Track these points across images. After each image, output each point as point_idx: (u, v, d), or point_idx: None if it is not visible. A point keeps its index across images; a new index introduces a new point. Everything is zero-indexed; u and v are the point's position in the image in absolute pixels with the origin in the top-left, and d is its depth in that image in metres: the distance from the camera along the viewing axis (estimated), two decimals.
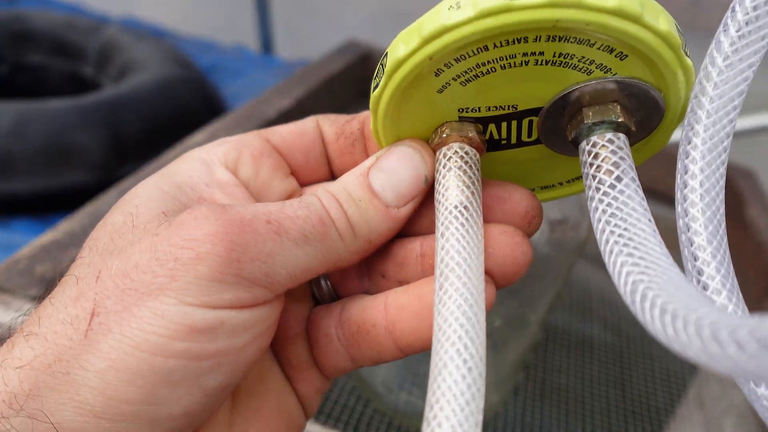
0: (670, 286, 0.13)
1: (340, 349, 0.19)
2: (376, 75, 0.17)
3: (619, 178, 0.15)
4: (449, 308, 0.15)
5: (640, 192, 0.15)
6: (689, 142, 0.16)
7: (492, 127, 0.18)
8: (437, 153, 0.18)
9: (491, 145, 0.18)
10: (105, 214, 0.18)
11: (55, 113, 0.57)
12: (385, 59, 0.16)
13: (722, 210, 0.16)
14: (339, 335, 0.19)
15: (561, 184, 0.20)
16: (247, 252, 0.15)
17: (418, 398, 0.38)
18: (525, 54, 0.15)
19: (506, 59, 0.15)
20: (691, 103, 0.16)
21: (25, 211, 0.58)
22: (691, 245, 0.16)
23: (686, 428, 0.42)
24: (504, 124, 0.18)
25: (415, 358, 0.41)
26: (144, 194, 0.17)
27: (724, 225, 0.16)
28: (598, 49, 0.15)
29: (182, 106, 0.64)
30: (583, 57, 0.15)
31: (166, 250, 0.15)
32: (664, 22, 0.14)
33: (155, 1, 1.10)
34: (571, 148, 0.17)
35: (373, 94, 0.17)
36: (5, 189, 0.55)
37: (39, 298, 0.17)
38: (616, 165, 0.15)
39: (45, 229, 0.40)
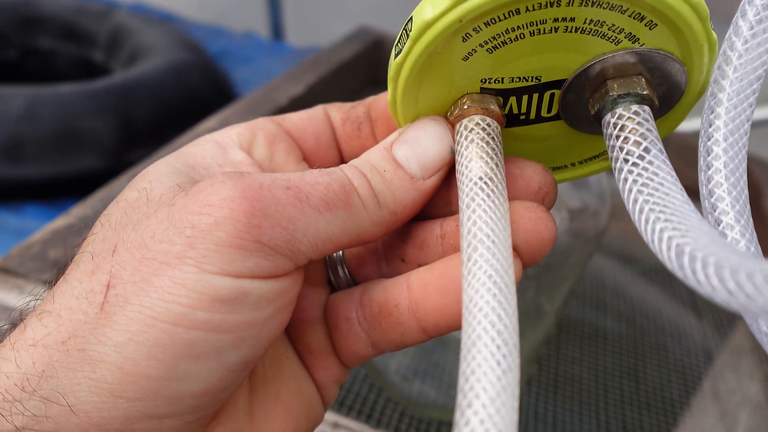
0: (714, 246, 0.12)
1: (360, 333, 0.18)
2: (398, 42, 0.16)
3: (647, 150, 0.15)
4: (480, 279, 0.14)
5: (669, 163, 0.15)
6: (711, 125, 0.16)
7: (513, 100, 0.17)
8: (457, 125, 0.18)
9: (509, 120, 0.18)
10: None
11: (65, 98, 0.56)
12: (409, 24, 0.16)
13: (746, 191, 0.16)
14: (360, 318, 0.18)
15: (574, 164, 0.20)
16: (267, 217, 0.15)
17: (431, 387, 0.38)
18: (556, 20, 0.15)
19: (537, 24, 0.15)
20: (711, 86, 0.16)
21: (36, 197, 0.58)
22: (719, 225, 0.16)
23: (701, 421, 0.42)
24: (525, 98, 0.17)
25: (428, 347, 0.41)
26: (156, 171, 0.17)
27: (747, 195, 0.16)
28: (629, 16, 0.15)
29: (192, 92, 0.64)
30: (613, 25, 0.15)
31: (183, 218, 0.14)
32: None
33: None
34: (590, 124, 0.17)
35: (395, 61, 0.16)
36: (17, 174, 0.55)
37: (50, 282, 0.16)
38: (643, 136, 0.15)
39: (56, 214, 0.40)
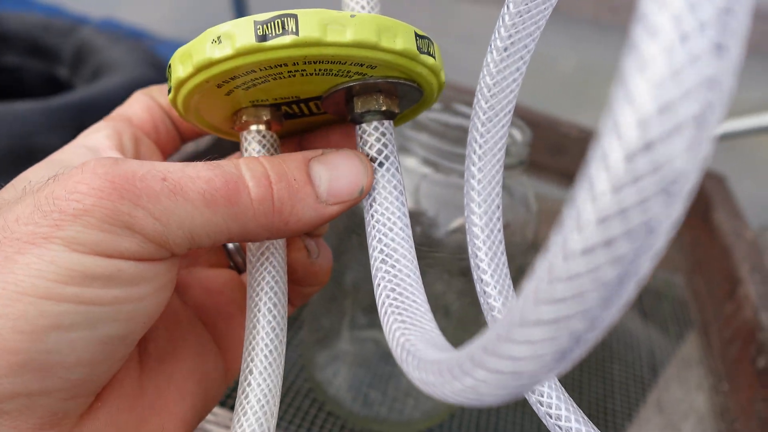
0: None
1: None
2: (168, 79, 0.18)
3: (381, 164, 0.19)
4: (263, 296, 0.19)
5: (398, 175, 0.19)
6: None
7: (285, 107, 0.20)
8: (240, 135, 0.20)
9: (291, 116, 0.20)
10: None
11: (22, 115, 0.56)
12: (169, 72, 0.18)
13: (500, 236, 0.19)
14: None
15: None
16: (138, 207, 0.14)
17: (374, 402, 0.38)
18: (290, 72, 0.17)
19: (275, 76, 0.17)
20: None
21: None
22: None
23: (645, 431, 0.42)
24: (294, 105, 0.20)
25: (373, 361, 0.41)
26: (33, 176, 0.17)
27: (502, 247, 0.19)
28: (350, 64, 0.17)
29: None
30: (340, 70, 0.17)
31: (50, 202, 0.14)
32: (401, 41, 0.17)
33: (135, 3, 1.10)
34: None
35: (168, 97, 0.18)
36: None
37: None
38: (379, 152, 0.19)
39: None
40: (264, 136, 0.19)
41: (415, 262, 0.17)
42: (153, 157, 0.21)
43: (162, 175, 0.15)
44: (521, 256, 0.32)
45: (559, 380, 0.44)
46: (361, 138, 0.19)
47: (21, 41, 0.78)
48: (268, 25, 0.16)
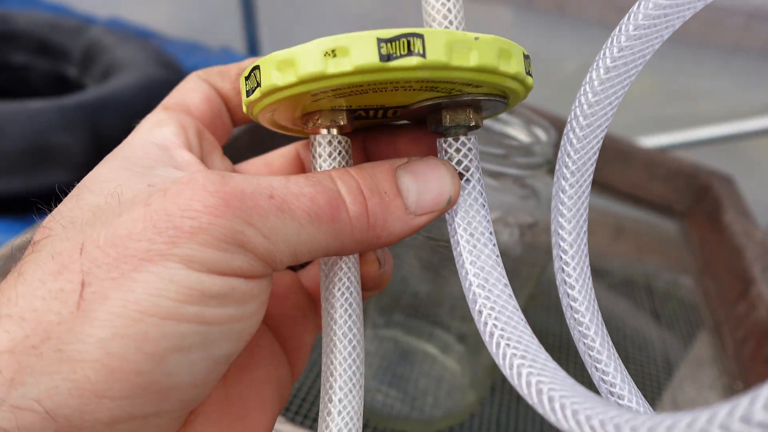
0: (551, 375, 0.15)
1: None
2: (248, 78, 0.17)
3: (467, 180, 0.18)
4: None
5: (484, 192, 0.18)
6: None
7: (361, 112, 0.19)
8: (312, 137, 0.19)
9: (360, 118, 0.20)
10: None
11: (36, 114, 0.56)
12: (258, 74, 0.16)
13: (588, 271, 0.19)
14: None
15: None
16: (250, 225, 0.14)
17: (394, 399, 0.38)
18: (395, 88, 0.16)
19: (378, 89, 0.17)
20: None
21: (5, 212, 0.58)
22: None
23: None
24: (371, 111, 0.19)
25: (393, 360, 0.41)
26: (117, 176, 0.16)
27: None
28: (459, 83, 0.17)
29: None
30: (444, 87, 0.17)
31: (163, 218, 0.14)
32: (515, 64, 0.16)
33: (141, 2, 1.10)
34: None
35: (247, 99, 0.17)
36: None
37: None
38: (466, 168, 0.18)
39: (25, 229, 0.40)
40: (339, 141, 0.19)
41: (509, 285, 0.17)
42: (214, 152, 0.20)
43: (269, 192, 0.15)
44: (546, 256, 0.32)
45: (578, 379, 0.44)
46: (446, 152, 0.18)
47: (28, 40, 0.78)
48: (393, 44, 0.15)
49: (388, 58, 0.15)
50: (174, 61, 0.78)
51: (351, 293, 0.19)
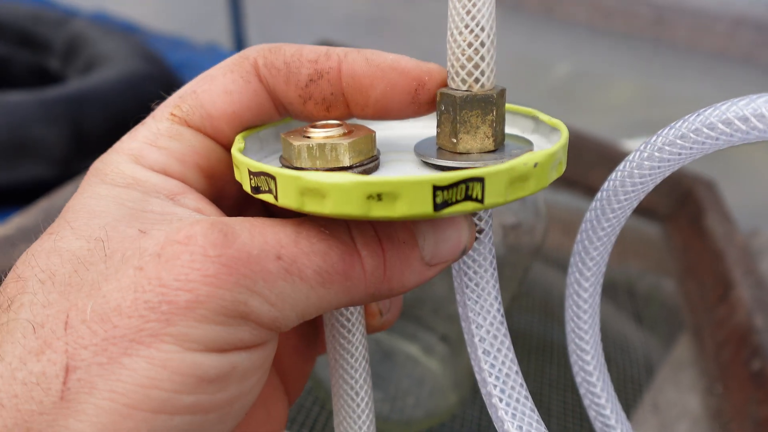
0: None
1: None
2: (257, 175, 0.15)
3: (481, 230, 0.18)
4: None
5: (494, 250, 0.18)
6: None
7: None
8: None
9: None
10: (60, 211, 0.15)
11: (15, 106, 0.55)
12: (273, 185, 0.14)
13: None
14: None
15: None
16: (254, 294, 0.13)
17: (376, 400, 0.38)
18: None
19: None
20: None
21: None
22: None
23: None
24: None
25: (374, 359, 0.41)
26: (102, 211, 0.14)
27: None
28: None
29: (147, 102, 0.63)
30: None
31: (155, 290, 0.12)
32: (541, 183, 0.14)
33: None
34: None
35: (263, 196, 0.15)
36: None
37: None
38: (479, 218, 0.17)
39: (1, 222, 0.40)
40: None
41: (512, 351, 0.17)
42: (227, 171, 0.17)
43: (276, 253, 0.13)
44: (528, 257, 0.32)
45: (561, 381, 0.44)
46: None
47: (10, 32, 0.77)
48: (450, 191, 0.13)
49: (442, 205, 0.13)
50: (158, 55, 0.77)
51: (355, 337, 0.19)
